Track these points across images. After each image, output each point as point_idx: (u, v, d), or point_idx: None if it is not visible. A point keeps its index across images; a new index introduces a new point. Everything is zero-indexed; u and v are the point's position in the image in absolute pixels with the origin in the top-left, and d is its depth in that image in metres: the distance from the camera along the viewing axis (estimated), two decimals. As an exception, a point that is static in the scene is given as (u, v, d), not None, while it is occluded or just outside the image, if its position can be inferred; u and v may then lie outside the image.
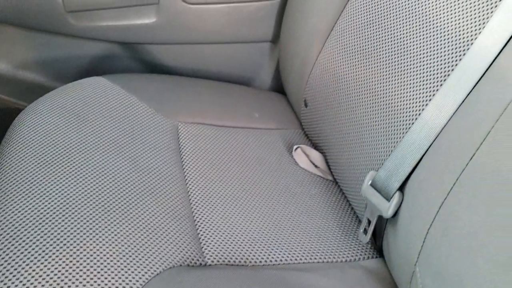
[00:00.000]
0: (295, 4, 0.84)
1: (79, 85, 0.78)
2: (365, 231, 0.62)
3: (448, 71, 0.54)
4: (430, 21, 0.58)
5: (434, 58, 0.56)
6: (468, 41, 0.53)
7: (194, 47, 0.94)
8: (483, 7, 0.52)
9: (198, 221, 0.61)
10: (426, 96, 0.56)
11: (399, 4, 0.63)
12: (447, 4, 0.56)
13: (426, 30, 0.58)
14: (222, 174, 0.70)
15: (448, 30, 0.55)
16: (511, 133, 0.42)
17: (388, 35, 0.64)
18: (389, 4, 0.65)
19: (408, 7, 0.61)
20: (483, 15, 0.52)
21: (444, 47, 0.55)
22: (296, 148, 0.77)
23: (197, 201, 0.64)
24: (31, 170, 0.60)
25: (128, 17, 0.87)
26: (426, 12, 0.59)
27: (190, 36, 0.91)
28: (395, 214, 0.56)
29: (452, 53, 0.54)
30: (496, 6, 0.51)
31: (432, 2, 0.58)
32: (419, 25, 0.59)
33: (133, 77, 0.86)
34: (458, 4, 0.55)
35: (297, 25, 0.83)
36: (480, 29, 0.52)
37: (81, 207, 0.56)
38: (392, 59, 0.62)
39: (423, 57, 0.58)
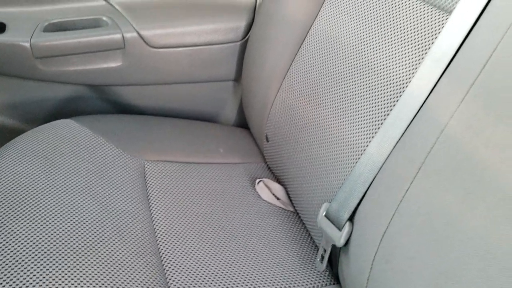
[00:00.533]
0: (254, 47, 0.90)
1: (48, 128, 0.81)
2: (322, 260, 0.66)
3: (388, 110, 0.60)
4: (372, 66, 0.64)
5: (376, 99, 0.62)
6: (403, 83, 0.58)
7: (159, 87, 0.98)
8: (415, 54, 0.58)
9: (164, 257, 0.64)
10: (370, 133, 0.61)
11: (345, 49, 0.69)
12: (386, 51, 0.62)
13: (369, 73, 0.64)
14: (187, 209, 0.73)
15: (387, 74, 0.61)
16: (437, 168, 0.47)
17: (336, 77, 0.69)
18: (337, 49, 0.71)
19: (353, 53, 0.67)
20: (415, 61, 0.58)
21: (384, 89, 0.61)
22: (259, 182, 0.81)
23: (163, 237, 0.67)
24: None
25: (96, 62, 0.91)
26: (368, 57, 0.64)
27: (156, 77, 0.95)
28: (347, 242, 0.60)
29: (390, 95, 0.60)
30: (426, 53, 0.57)
31: (373, 49, 0.64)
32: (363, 69, 0.65)
33: (101, 118, 0.89)
34: (395, 51, 0.61)
35: (257, 66, 0.88)
36: (413, 73, 0.57)
37: (50, 248, 0.59)
38: (340, 98, 0.68)
39: (367, 98, 0.63)
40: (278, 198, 0.80)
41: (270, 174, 0.87)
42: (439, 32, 0.55)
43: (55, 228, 0.61)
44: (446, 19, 0.55)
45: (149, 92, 0.98)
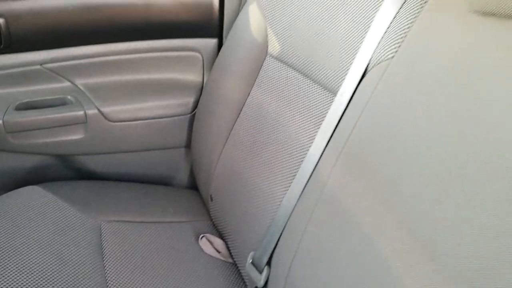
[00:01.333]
0: (201, 119, 1.04)
1: (16, 194, 0.92)
2: (251, 301, 0.77)
3: (294, 173, 0.74)
4: (285, 136, 0.78)
5: (287, 162, 0.76)
6: (304, 151, 0.73)
7: (118, 155, 1.11)
8: (311, 127, 0.73)
9: (113, 305, 0.74)
10: (284, 189, 0.75)
11: (267, 122, 0.84)
12: (292, 125, 0.77)
13: (283, 141, 0.78)
14: (138, 263, 0.84)
15: (293, 143, 0.75)
16: (322, 218, 0.61)
17: (261, 144, 0.84)
18: (262, 121, 0.86)
19: (272, 126, 0.82)
20: (313, 132, 0.72)
21: (292, 155, 0.75)
22: (202, 237, 0.93)
23: None
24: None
25: (61, 135, 1.03)
26: (282, 129, 0.79)
27: (114, 147, 1.08)
28: (266, 284, 0.71)
29: (296, 160, 0.74)
30: (319, 127, 0.72)
31: (285, 124, 0.79)
32: (279, 138, 0.80)
33: (64, 185, 1.00)
34: (298, 125, 0.76)
35: (203, 135, 1.03)
36: (311, 142, 0.72)
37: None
38: (264, 162, 0.82)
39: (282, 161, 0.77)
40: (219, 252, 0.92)
41: (214, 230, 0.99)
42: (328, 109, 0.70)
43: (17, 282, 0.71)
44: (332, 99, 0.70)
45: (108, 160, 1.11)
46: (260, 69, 0.91)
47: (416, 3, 0.59)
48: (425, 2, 0.58)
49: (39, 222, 0.85)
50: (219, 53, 1.04)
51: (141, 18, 1.04)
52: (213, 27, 1.08)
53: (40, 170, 1.09)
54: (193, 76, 1.11)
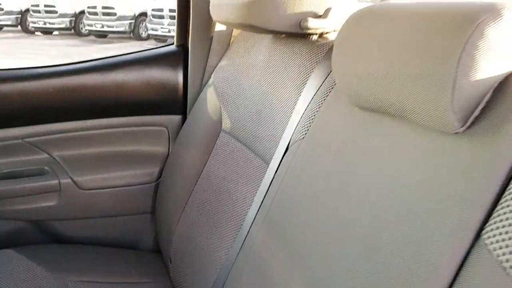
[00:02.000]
0: (165, 185, 1.16)
1: (-10, 257, 1.01)
2: None
3: (235, 234, 0.84)
4: (228, 198, 0.90)
5: (229, 223, 0.87)
6: (244, 213, 0.84)
7: (89, 220, 1.20)
8: (250, 193, 0.85)
9: None
10: (227, 249, 0.85)
11: (217, 187, 0.96)
12: (233, 189, 0.89)
13: (228, 204, 0.90)
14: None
15: (235, 206, 0.87)
16: (249, 282, 0.71)
17: (211, 207, 0.95)
18: (213, 186, 0.97)
19: (220, 190, 0.94)
20: (251, 197, 0.84)
21: (234, 217, 0.86)
22: (160, 296, 1.01)
23: None
24: None
25: (36, 202, 1.14)
26: (227, 193, 0.91)
27: (85, 213, 1.18)
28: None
29: (237, 222, 0.85)
30: (254, 195, 0.83)
31: (228, 188, 0.91)
32: (224, 200, 0.91)
33: (37, 248, 1.09)
34: (240, 189, 0.88)
35: (166, 200, 1.13)
36: (249, 206, 0.83)
37: None
38: (211, 223, 0.93)
39: (223, 221, 0.88)
40: (175, 309, 1.00)
41: (173, 290, 1.07)
42: (263, 178, 0.82)
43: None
44: (266, 168, 0.83)
45: (80, 225, 1.20)
46: (215, 142, 1.04)
47: (323, 92, 0.73)
48: (329, 91, 0.72)
49: (11, 284, 0.93)
50: (182, 128, 1.17)
51: (114, 98, 1.18)
52: (178, 105, 1.22)
53: (15, 235, 1.18)
54: (159, 148, 1.24)
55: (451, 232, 0.45)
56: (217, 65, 1.14)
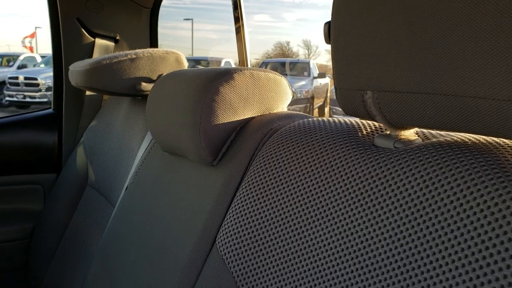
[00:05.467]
0: (37, 241, 1.21)
1: None
2: None
3: (85, 273, 0.92)
4: (81, 242, 0.98)
5: (80, 263, 0.95)
6: (93, 251, 0.92)
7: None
8: (98, 234, 0.94)
9: None
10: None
11: (74, 236, 1.04)
12: (85, 234, 0.98)
13: (80, 247, 0.98)
14: None
15: (84, 247, 0.95)
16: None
17: (74, 253, 1.02)
18: (74, 239, 1.05)
19: (76, 238, 1.02)
20: (99, 237, 0.93)
21: (83, 258, 0.94)
22: None
23: None
24: None
25: None
26: (80, 238, 0.99)
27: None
28: None
29: (85, 262, 0.93)
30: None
31: (82, 233, 0.99)
32: (79, 244, 0.99)
33: None
34: (92, 233, 0.96)
35: (37, 254, 1.18)
36: (96, 245, 0.92)
37: None
38: (70, 266, 1.00)
39: (76, 262, 0.96)
40: None
41: None
42: (109, 218, 0.92)
43: None
44: (112, 210, 0.93)
45: None
46: (82, 196, 1.13)
47: (154, 142, 0.86)
48: (153, 145, 0.85)
49: None
50: (54, 185, 1.25)
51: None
52: (53, 164, 1.30)
53: None
54: (34, 206, 1.30)
55: (198, 240, 0.57)
56: (88, 126, 1.25)
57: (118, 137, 1.06)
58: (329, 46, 0.44)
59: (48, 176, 1.31)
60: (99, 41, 1.23)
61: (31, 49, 15.66)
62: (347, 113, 0.46)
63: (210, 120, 0.59)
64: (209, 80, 0.60)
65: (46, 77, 9.94)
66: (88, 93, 1.27)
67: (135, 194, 0.81)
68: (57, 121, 1.30)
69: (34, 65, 11.32)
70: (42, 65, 11.04)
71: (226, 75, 0.60)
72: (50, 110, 1.33)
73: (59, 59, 1.27)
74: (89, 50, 1.23)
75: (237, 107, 0.61)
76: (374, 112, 0.41)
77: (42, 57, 11.69)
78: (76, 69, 0.98)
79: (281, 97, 0.64)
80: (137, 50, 0.93)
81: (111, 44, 1.24)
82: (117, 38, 1.24)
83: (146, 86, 0.91)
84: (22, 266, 1.28)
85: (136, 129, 0.98)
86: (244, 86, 0.61)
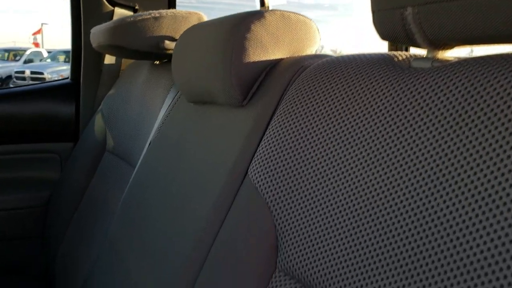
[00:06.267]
0: (53, 208, 1.22)
1: None
2: None
3: (105, 230, 0.93)
4: (101, 207, 0.99)
5: (98, 224, 0.96)
6: (111, 214, 0.93)
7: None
8: (118, 196, 0.95)
9: None
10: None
11: (92, 200, 1.05)
12: (104, 198, 0.99)
13: (99, 211, 0.99)
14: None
15: (103, 211, 0.96)
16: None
17: (92, 218, 1.03)
18: (92, 203, 1.06)
19: (94, 202, 1.03)
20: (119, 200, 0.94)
21: (103, 220, 0.95)
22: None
23: None
24: None
25: None
26: (100, 204, 1.00)
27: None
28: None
29: (104, 223, 0.94)
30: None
31: (99, 198, 1.00)
32: (99, 210, 1.00)
33: None
34: (110, 196, 0.97)
35: (53, 222, 1.19)
36: (115, 208, 0.93)
37: None
38: (91, 230, 1.01)
39: (97, 225, 0.97)
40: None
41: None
42: (129, 180, 0.93)
43: None
44: (132, 171, 0.93)
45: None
46: (100, 162, 1.14)
47: (176, 99, 0.87)
48: (179, 97, 0.86)
49: None
50: (71, 153, 1.26)
51: (9, 126, 1.25)
52: (70, 133, 1.32)
53: None
54: (51, 174, 1.31)
55: (228, 177, 0.58)
56: (106, 95, 1.27)
57: (137, 103, 1.07)
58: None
59: (65, 145, 1.32)
60: (118, 10, 1.24)
61: (37, 45, 15.72)
62: (384, 36, 0.46)
63: (242, 58, 0.60)
64: (241, 19, 0.61)
65: (52, 71, 9.98)
66: (106, 62, 1.28)
67: (159, 147, 0.82)
68: (74, 91, 1.32)
69: (41, 60, 11.38)
70: (48, 60, 11.09)
71: (257, 14, 0.61)
72: (68, 80, 1.34)
73: (78, 28, 1.28)
74: (108, 19, 1.24)
75: (267, 46, 0.62)
76: (414, 30, 0.42)
77: (49, 52, 11.74)
78: (98, 29, 0.99)
79: (310, 40, 0.65)
80: (160, 10, 0.94)
81: (129, 13, 1.26)
82: (136, 7, 1.25)
83: (169, 44, 0.92)
84: (38, 233, 1.29)
85: (157, 92, 0.99)
86: (275, 25, 0.62)
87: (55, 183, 1.30)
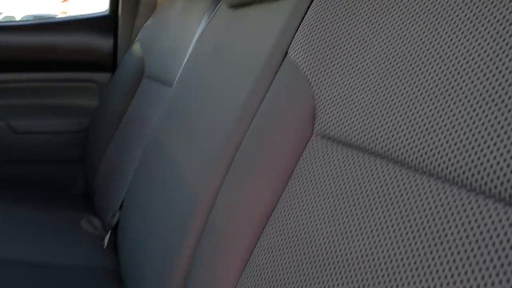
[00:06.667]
0: (91, 133, 1.28)
1: None
2: None
3: (141, 142, 0.99)
4: (137, 132, 1.04)
5: (135, 141, 1.01)
6: (146, 134, 0.98)
7: (22, 164, 1.31)
8: (151, 119, 0.99)
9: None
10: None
11: (132, 121, 1.10)
12: (139, 121, 1.03)
13: (135, 135, 1.04)
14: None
15: (138, 133, 1.01)
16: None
17: (132, 141, 1.09)
18: (132, 125, 1.11)
19: (135, 124, 1.08)
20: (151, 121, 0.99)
21: (140, 138, 1.01)
22: (82, 217, 1.12)
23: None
24: None
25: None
26: (138, 126, 1.05)
27: (19, 155, 1.29)
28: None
29: (141, 140, 0.99)
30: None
31: (136, 120, 1.05)
32: (137, 134, 1.05)
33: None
34: (143, 120, 1.02)
35: (92, 145, 1.26)
36: (147, 129, 0.98)
37: None
38: (132, 154, 1.06)
39: (135, 146, 1.02)
40: (96, 229, 1.11)
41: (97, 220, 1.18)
42: (163, 100, 0.97)
43: None
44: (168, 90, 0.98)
45: (12, 168, 1.30)
46: (138, 87, 1.19)
47: (215, 11, 0.90)
48: (216, 12, 0.89)
49: None
50: (109, 81, 1.32)
51: (51, 55, 1.31)
52: (108, 63, 1.37)
53: None
54: (90, 101, 1.37)
55: (267, 60, 0.62)
56: (143, 25, 1.31)
57: (175, 28, 1.11)
58: None
59: (103, 75, 1.37)
60: None
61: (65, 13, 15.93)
62: None
63: None
64: None
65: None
66: (144, -7, 1.32)
67: (197, 58, 0.85)
68: (112, 23, 1.36)
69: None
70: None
71: None
72: (106, 12, 1.39)
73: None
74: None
75: None
76: None
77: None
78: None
79: None
80: None
81: None
82: None
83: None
84: (78, 158, 1.36)
85: (194, 15, 1.02)
86: None
87: (93, 111, 1.37)
